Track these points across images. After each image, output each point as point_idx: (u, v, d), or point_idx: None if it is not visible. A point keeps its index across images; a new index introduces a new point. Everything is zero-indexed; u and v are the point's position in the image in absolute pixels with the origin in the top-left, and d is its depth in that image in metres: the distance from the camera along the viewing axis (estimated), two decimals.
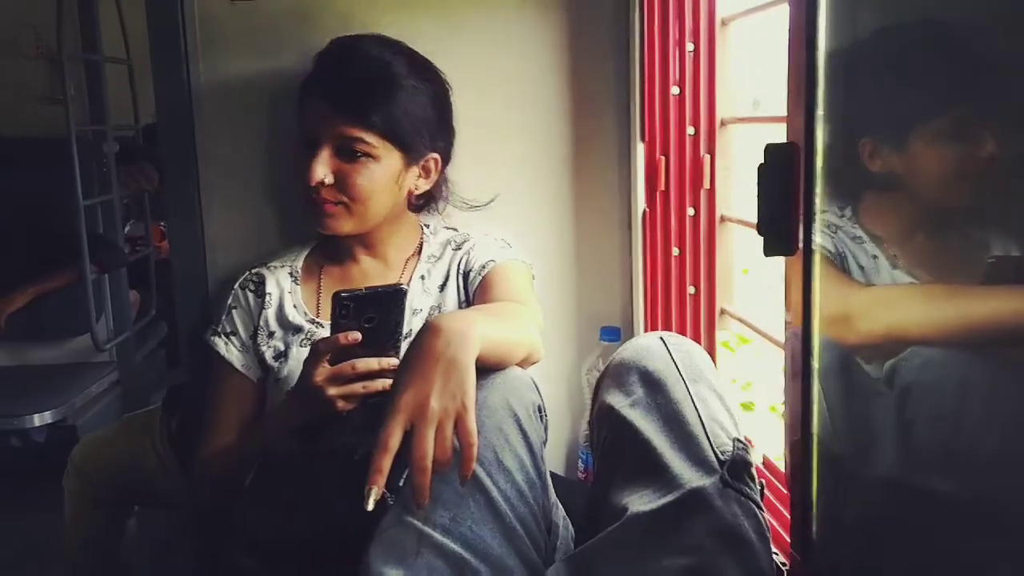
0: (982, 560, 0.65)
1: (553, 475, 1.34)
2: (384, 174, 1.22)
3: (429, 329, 0.91)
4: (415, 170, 1.26)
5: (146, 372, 3.06)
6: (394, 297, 1.08)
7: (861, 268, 0.80)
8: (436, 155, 1.27)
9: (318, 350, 1.07)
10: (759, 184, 0.88)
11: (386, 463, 0.84)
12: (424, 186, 1.28)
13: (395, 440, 0.85)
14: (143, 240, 3.19)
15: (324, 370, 1.06)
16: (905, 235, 0.78)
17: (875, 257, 0.79)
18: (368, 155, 1.20)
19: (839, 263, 0.81)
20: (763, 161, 0.87)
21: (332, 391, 1.06)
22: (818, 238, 0.83)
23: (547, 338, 1.46)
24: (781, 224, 0.86)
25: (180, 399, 1.60)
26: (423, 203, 1.32)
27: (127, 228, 3.30)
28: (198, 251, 1.41)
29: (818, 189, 0.84)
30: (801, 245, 0.85)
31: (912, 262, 0.76)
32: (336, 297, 1.06)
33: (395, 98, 1.21)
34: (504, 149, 1.44)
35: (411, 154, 1.24)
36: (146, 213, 3.20)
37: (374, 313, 1.07)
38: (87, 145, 2.77)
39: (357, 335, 1.06)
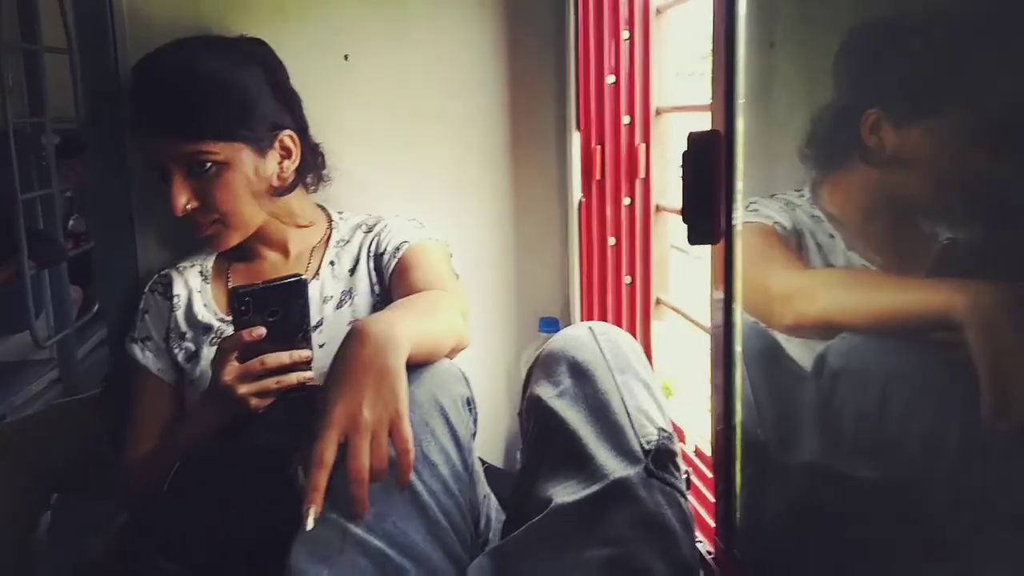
0: (903, 547, 0.65)
1: (491, 467, 1.34)
2: (241, 176, 1.18)
3: (355, 337, 0.89)
4: (272, 154, 1.21)
5: (88, 369, 3.00)
6: (294, 288, 1.05)
7: (819, 246, 0.80)
8: (288, 131, 1.22)
9: (223, 349, 1.04)
10: (683, 172, 0.87)
11: (323, 480, 0.82)
12: (290, 165, 1.23)
13: (330, 455, 0.83)
14: (86, 235, 3.12)
15: (232, 368, 1.03)
16: (862, 218, 0.78)
17: (832, 236, 0.79)
18: (217, 163, 1.16)
19: (795, 240, 0.80)
20: (687, 149, 0.86)
21: (243, 389, 1.03)
22: (772, 214, 0.81)
23: (485, 329, 1.46)
24: (704, 212, 0.85)
25: (113, 394, 1.55)
26: (296, 181, 1.26)
27: (70, 223, 3.23)
28: (128, 252, 1.37)
29: (740, 177, 0.84)
30: (724, 233, 0.84)
31: (868, 246, 0.75)
32: (233, 293, 1.03)
33: (214, 96, 1.16)
34: (442, 138, 1.42)
35: (258, 143, 1.19)
36: (87, 208, 3.13)
37: (276, 306, 1.04)
38: (26, 137, 2.71)
39: (261, 330, 1.03)
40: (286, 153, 1.22)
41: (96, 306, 3.09)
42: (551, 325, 1.44)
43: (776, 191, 0.82)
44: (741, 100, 0.83)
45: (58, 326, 2.86)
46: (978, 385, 0.53)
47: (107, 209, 1.35)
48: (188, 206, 1.16)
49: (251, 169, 1.18)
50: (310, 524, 0.82)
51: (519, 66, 1.41)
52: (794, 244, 0.80)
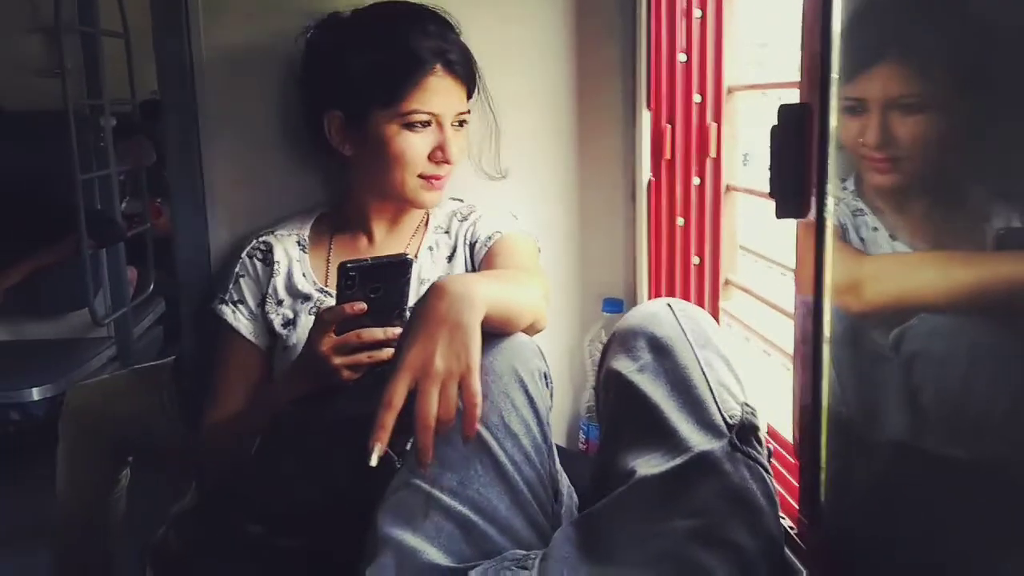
0: (988, 524, 0.64)
1: (556, 447, 1.34)
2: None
3: (433, 291, 0.91)
4: None
5: (143, 348, 3.06)
6: (399, 268, 1.07)
7: (862, 240, 0.80)
8: None
9: (323, 320, 1.06)
10: (771, 145, 0.87)
11: (389, 419, 0.84)
12: None
13: (399, 398, 0.85)
14: (139, 217, 3.18)
15: (329, 340, 1.06)
16: (902, 207, 0.77)
17: (875, 229, 0.79)
18: (465, 123, 1.24)
19: (841, 235, 0.81)
20: (776, 122, 0.86)
21: (337, 360, 1.06)
22: (830, 203, 0.82)
23: (550, 310, 1.46)
24: (793, 186, 0.85)
25: (185, 368, 1.58)
26: None
27: (123, 205, 3.29)
28: (201, 223, 1.40)
29: (831, 152, 0.83)
30: (814, 208, 0.84)
31: (911, 235, 0.75)
32: (342, 268, 1.05)
33: (469, 56, 1.25)
34: (511, 120, 1.42)
35: None
36: (143, 189, 3.19)
37: (379, 283, 1.06)
38: (84, 120, 2.77)
39: (363, 305, 1.05)
40: None
41: (151, 286, 3.15)
42: (615, 306, 1.43)
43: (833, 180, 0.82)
44: (834, 75, 0.83)
45: (115, 304, 2.92)
46: None
47: (182, 180, 1.37)
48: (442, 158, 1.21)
49: None
50: (374, 460, 0.84)
51: (588, 44, 1.41)
52: (840, 237, 0.80)
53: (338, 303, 1.06)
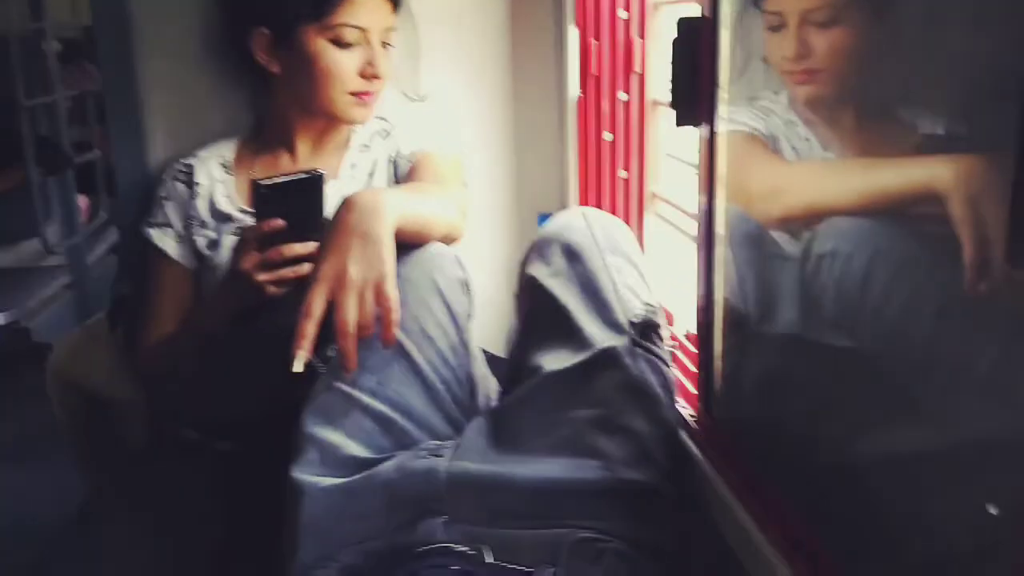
0: (873, 407, 0.69)
1: (492, 356, 1.40)
2: None
3: (344, 205, 0.95)
4: None
5: (98, 276, 3.06)
6: (312, 183, 1.09)
7: (795, 150, 0.83)
8: None
9: (244, 239, 1.10)
10: (672, 58, 0.90)
11: (309, 328, 0.89)
12: None
13: (317, 308, 0.89)
14: (88, 144, 3.15)
15: (252, 257, 1.08)
16: (833, 117, 0.81)
17: (807, 140, 0.82)
18: (389, 43, 1.24)
19: (772, 145, 0.84)
20: (676, 35, 0.89)
21: (261, 276, 1.08)
22: (749, 120, 0.85)
23: (486, 225, 1.51)
24: (690, 96, 0.89)
25: (125, 309, 1.62)
26: None
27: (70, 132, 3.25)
28: (138, 147, 1.41)
29: (723, 64, 0.87)
30: (709, 117, 0.88)
31: (841, 144, 0.79)
32: (255, 186, 1.08)
33: None
34: (440, 37, 1.44)
35: None
36: (89, 116, 3.15)
37: (295, 200, 1.08)
38: (27, 44, 2.71)
39: (280, 222, 1.08)
40: None
41: (103, 214, 3.15)
42: None
43: (755, 91, 0.85)
44: None
45: (67, 233, 2.91)
46: (959, 253, 0.55)
47: (119, 103, 1.38)
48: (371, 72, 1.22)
49: None
50: (298, 367, 0.89)
51: None
52: (772, 147, 0.84)
53: (256, 221, 1.09)
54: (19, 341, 2.65)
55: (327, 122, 1.28)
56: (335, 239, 0.92)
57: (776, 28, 0.81)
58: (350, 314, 0.89)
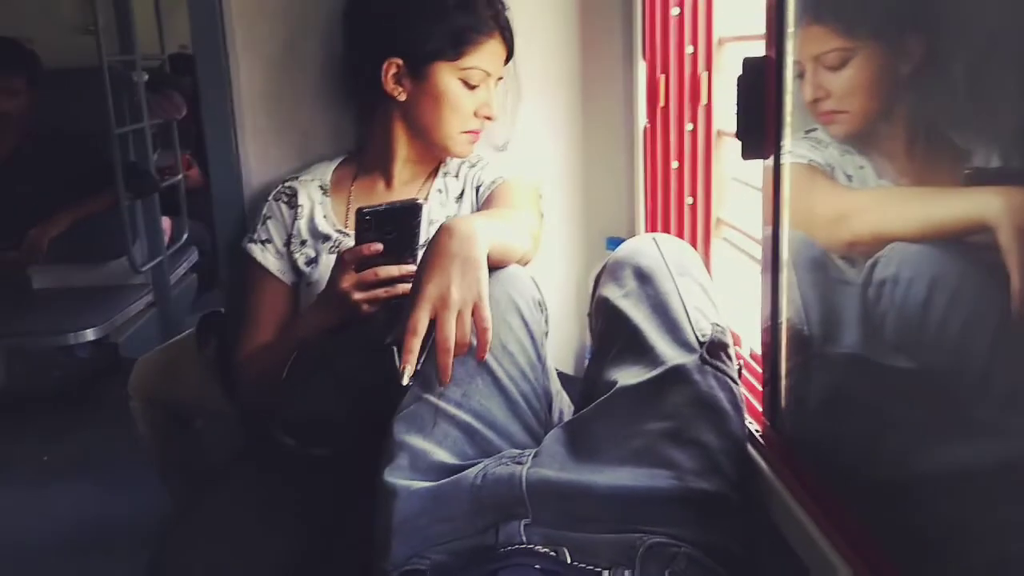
0: (932, 426, 0.73)
1: (562, 374, 1.47)
2: None
3: (443, 231, 1.03)
4: None
5: (179, 294, 3.21)
6: (411, 211, 1.18)
7: (849, 177, 0.88)
8: None
9: (344, 259, 1.18)
10: (737, 95, 0.96)
11: (416, 344, 0.97)
12: None
13: (422, 326, 0.97)
14: (171, 169, 3.30)
15: (350, 277, 1.17)
16: (888, 147, 0.85)
17: (862, 168, 0.87)
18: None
19: (830, 173, 0.89)
20: (741, 73, 0.96)
21: (357, 296, 1.17)
22: (806, 152, 0.90)
23: (558, 248, 1.58)
24: (756, 131, 0.95)
25: (212, 326, 1.71)
26: None
27: (155, 157, 3.41)
28: (234, 173, 1.51)
29: (788, 100, 0.92)
30: (774, 150, 0.94)
31: (897, 172, 0.81)
32: (358, 213, 1.16)
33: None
34: (516, 70, 1.52)
35: None
36: (174, 142, 3.30)
37: (393, 226, 1.17)
38: (117, 75, 2.86)
39: (379, 246, 1.16)
40: None
41: (185, 235, 3.30)
42: (618, 244, 1.54)
43: (810, 124, 0.90)
44: (791, 28, 0.92)
45: (151, 253, 3.06)
46: (1010, 282, 0.58)
47: (216, 130, 1.49)
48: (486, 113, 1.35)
49: None
50: (406, 380, 0.96)
51: (589, 1, 1.51)
52: (830, 176, 0.88)
53: (356, 244, 1.17)
54: (108, 356, 2.79)
55: (430, 151, 1.37)
56: (437, 262, 1.00)
57: (800, 75, 0.87)
58: (451, 332, 0.96)
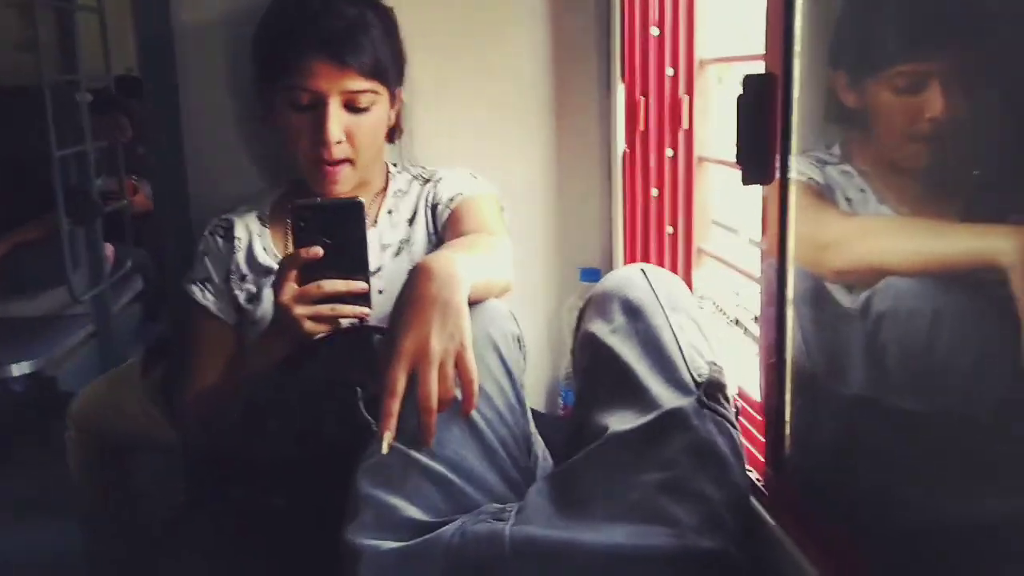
0: (943, 473, 0.68)
1: (533, 411, 1.37)
2: (383, 119, 1.25)
3: (420, 273, 0.93)
4: (395, 105, 1.28)
5: (122, 324, 3.06)
6: (351, 210, 1.08)
7: (849, 201, 0.82)
8: (400, 86, 1.29)
9: (282, 266, 1.07)
10: (738, 114, 0.89)
11: (395, 407, 0.87)
12: (393, 119, 1.29)
13: (401, 384, 0.87)
14: (115, 194, 3.17)
15: (290, 288, 1.06)
16: (889, 171, 0.80)
17: (863, 191, 0.81)
18: (373, 104, 1.21)
19: (828, 195, 0.83)
20: (742, 92, 0.89)
21: (299, 310, 1.05)
22: (805, 170, 0.85)
23: (528, 279, 1.50)
24: (758, 153, 0.88)
25: (159, 354, 1.61)
26: (390, 136, 1.33)
27: (99, 182, 3.28)
28: (183, 201, 1.41)
29: (795, 120, 0.86)
30: (778, 174, 0.87)
31: (898, 198, 0.78)
32: (293, 207, 1.07)
33: (376, 38, 1.21)
34: (486, 90, 1.45)
35: (393, 92, 1.26)
36: (119, 166, 3.18)
37: (334, 228, 1.07)
38: (60, 95, 2.74)
39: (318, 250, 1.06)
40: (398, 106, 1.29)
41: (129, 263, 3.15)
42: (592, 275, 1.47)
43: (813, 143, 0.85)
44: (798, 46, 0.86)
45: (93, 281, 2.92)
46: (1020, 326, 0.55)
47: (164, 158, 1.39)
48: (339, 140, 1.19)
49: (386, 115, 1.25)
50: (385, 449, 0.86)
51: (565, 19, 1.44)
52: (828, 198, 0.82)
53: (295, 248, 1.07)
54: (45, 390, 2.64)
55: (364, 173, 1.27)
56: (415, 310, 0.90)
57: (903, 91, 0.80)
58: (434, 389, 0.87)
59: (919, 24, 0.70)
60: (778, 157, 0.87)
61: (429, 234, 1.29)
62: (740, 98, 0.89)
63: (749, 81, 0.88)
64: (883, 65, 0.73)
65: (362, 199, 1.10)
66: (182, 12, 1.37)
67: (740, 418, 1.06)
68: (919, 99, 0.68)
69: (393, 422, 0.86)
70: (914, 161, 0.74)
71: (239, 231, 1.29)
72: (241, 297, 1.25)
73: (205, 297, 1.26)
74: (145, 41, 1.39)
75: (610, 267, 1.50)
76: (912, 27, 0.70)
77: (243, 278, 1.26)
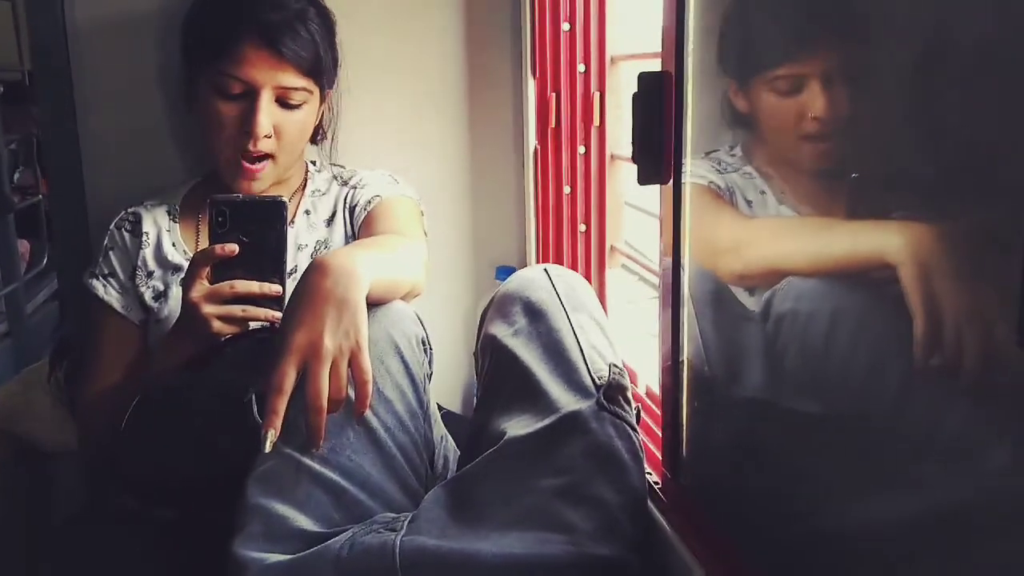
0: (839, 476, 0.68)
1: (448, 412, 1.35)
2: (311, 117, 1.21)
3: (316, 268, 0.90)
4: (323, 106, 1.25)
5: (37, 324, 2.95)
6: (273, 208, 1.05)
7: (749, 203, 0.82)
8: (332, 88, 1.26)
9: (195, 262, 1.03)
10: (633, 112, 0.88)
11: (281, 405, 0.83)
12: (318, 120, 1.26)
13: (289, 381, 0.84)
14: (32, 189, 3.06)
15: (201, 287, 1.02)
16: (785, 175, 0.80)
17: (763, 192, 0.81)
18: (304, 102, 1.18)
19: (728, 197, 0.83)
20: (637, 89, 0.87)
21: (208, 309, 1.01)
22: (705, 172, 0.84)
23: (443, 278, 1.48)
24: (653, 152, 0.87)
25: (64, 353, 1.55)
26: (314, 137, 1.29)
27: (16, 176, 3.16)
28: (78, 196, 1.36)
29: (689, 119, 0.85)
30: (673, 174, 0.86)
31: (796, 200, 0.77)
32: (212, 202, 1.03)
33: (316, 34, 1.18)
34: (395, 85, 1.42)
35: (325, 92, 1.23)
36: (34, 160, 3.06)
37: (253, 225, 1.04)
38: None
39: (234, 247, 1.02)
40: (327, 107, 1.27)
41: (45, 260, 3.04)
42: (508, 273, 1.44)
43: (713, 145, 0.84)
44: (691, 46, 0.85)
45: (5, 279, 2.80)
46: (912, 321, 0.55)
47: (59, 153, 1.33)
48: (267, 134, 1.15)
49: (315, 113, 1.22)
50: (268, 447, 0.83)
51: (474, 14, 1.41)
52: (729, 201, 0.82)
53: (210, 243, 1.03)
54: None
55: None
56: (308, 305, 0.87)
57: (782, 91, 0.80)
58: (323, 387, 0.84)
59: (792, 27, 0.70)
60: (673, 157, 0.86)
61: (347, 236, 1.25)
62: (635, 95, 0.88)
63: (643, 79, 0.87)
64: (764, 70, 0.72)
65: (284, 198, 1.06)
66: (80, 5, 1.31)
67: (645, 417, 1.06)
68: (800, 100, 0.68)
69: (278, 421, 0.83)
70: (806, 161, 0.74)
71: (147, 225, 1.24)
72: (147, 294, 1.21)
73: (108, 293, 1.21)
74: (38, 34, 1.32)
75: (525, 265, 1.48)
76: (786, 31, 0.70)
77: (150, 274, 1.21)
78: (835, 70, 0.65)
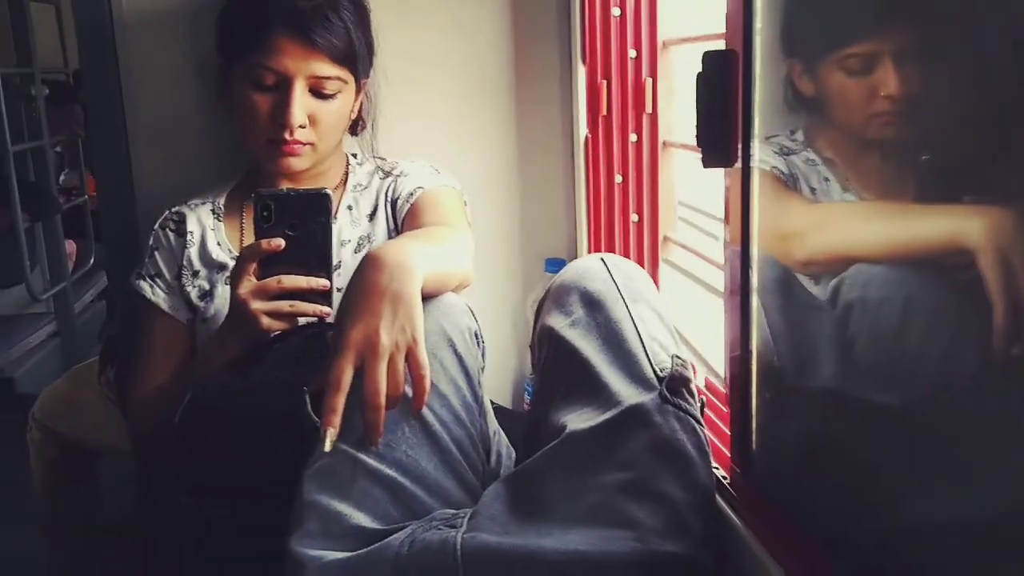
0: (915, 468, 0.65)
1: (499, 407, 1.33)
2: (347, 107, 1.20)
3: (371, 263, 0.88)
4: (360, 96, 1.23)
5: (85, 323, 2.98)
6: (317, 201, 1.03)
7: (813, 190, 0.79)
8: (367, 77, 1.24)
9: (242, 258, 1.02)
10: (697, 94, 0.85)
11: (340, 402, 0.82)
12: (357, 109, 1.24)
13: (347, 378, 0.82)
14: (78, 190, 3.09)
15: (249, 283, 1.01)
16: (854, 158, 0.77)
17: (827, 180, 0.78)
18: (339, 92, 1.16)
19: (792, 184, 0.80)
20: (701, 69, 0.84)
21: (256, 305, 1.00)
22: (768, 158, 0.81)
23: (492, 271, 1.45)
24: (719, 135, 0.83)
25: (114, 353, 1.56)
26: (353, 128, 1.28)
27: (61, 178, 3.20)
28: (127, 196, 1.35)
29: (757, 100, 0.82)
30: (740, 158, 0.82)
31: (862, 185, 0.74)
32: (257, 196, 1.02)
33: (349, 22, 1.16)
34: (442, 77, 1.39)
35: (361, 81, 1.21)
36: (80, 161, 3.10)
37: (298, 219, 1.02)
38: (14, 88, 2.67)
39: (280, 242, 1.01)
40: (365, 97, 1.25)
41: (91, 259, 3.08)
42: (557, 266, 1.42)
43: (775, 129, 0.81)
44: (758, 23, 0.81)
45: (54, 279, 2.84)
46: (992, 309, 0.52)
47: (107, 151, 1.33)
48: (301, 124, 1.14)
49: (350, 104, 1.20)
50: (327, 447, 0.81)
51: (521, 2, 1.38)
52: (792, 187, 0.79)
53: (256, 239, 1.02)
54: (3, 392, 2.56)
55: (320, 163, 1.22)
56: (364, 300, 0.85)
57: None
58: (382, 384, 0.82)
59: (866, 2, 0.66)
60: (740, 139, 0.82)
61: (390, 230, 1.24)
62: (699, 76, 0.84)
63: (709, 58, 0.84)
64: (833, 49, 0.69)
65: (328, 190, 1.05)
66: (126, 5, 1.31)
67: (709, 412, 1.02)
68: (873, 79, 0.65)
69: (337, 419, 0.82)
70: (877, 143, 0.70)
71: (191, 225, 1.23)
72: (193, 294, 1.20)
73: (155, 294, 1.20)
74: (84, 31, 1.32)
75: (576, 256, 1.46)
76: (859, 6, 0.67)
77: (195, 274, 1.21)
78: (910, 47, 0.62)
